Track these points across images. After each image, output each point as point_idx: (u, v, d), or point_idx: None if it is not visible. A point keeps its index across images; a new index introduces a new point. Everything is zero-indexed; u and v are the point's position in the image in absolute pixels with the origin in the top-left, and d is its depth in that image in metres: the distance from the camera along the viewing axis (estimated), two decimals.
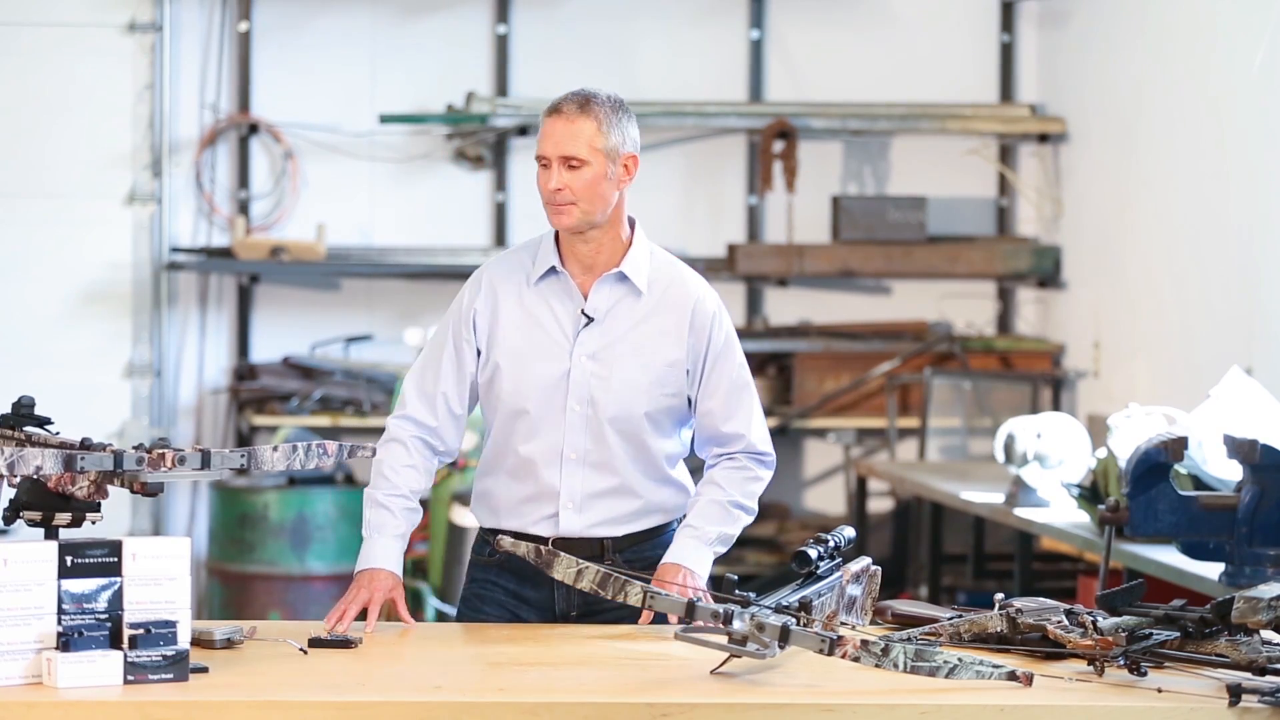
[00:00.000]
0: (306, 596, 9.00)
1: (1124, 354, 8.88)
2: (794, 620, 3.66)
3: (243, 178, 9.73)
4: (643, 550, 4.40)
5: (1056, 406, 9.33)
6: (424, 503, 4.73)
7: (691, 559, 4.29)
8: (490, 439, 4.45)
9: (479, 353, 4.39)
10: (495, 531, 4.39)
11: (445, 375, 4.40)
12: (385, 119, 9.55)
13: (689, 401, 4.40)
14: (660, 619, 4.22)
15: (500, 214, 9.78)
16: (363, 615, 4.23)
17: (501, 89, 9.72)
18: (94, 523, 3.82)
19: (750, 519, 4.42)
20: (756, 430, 4.43)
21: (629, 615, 4.23)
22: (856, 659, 3.57)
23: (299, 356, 9.58)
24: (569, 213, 4.31)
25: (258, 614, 8.77)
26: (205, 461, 3.72)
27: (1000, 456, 7.23)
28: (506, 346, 4.36)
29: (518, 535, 4.32)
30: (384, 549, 4.38)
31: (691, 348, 4.37)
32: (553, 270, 4.39)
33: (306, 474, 8.92)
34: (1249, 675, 3.59)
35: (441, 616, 8.48)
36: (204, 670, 3.65)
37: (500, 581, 4.42)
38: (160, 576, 3.62)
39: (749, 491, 4.40)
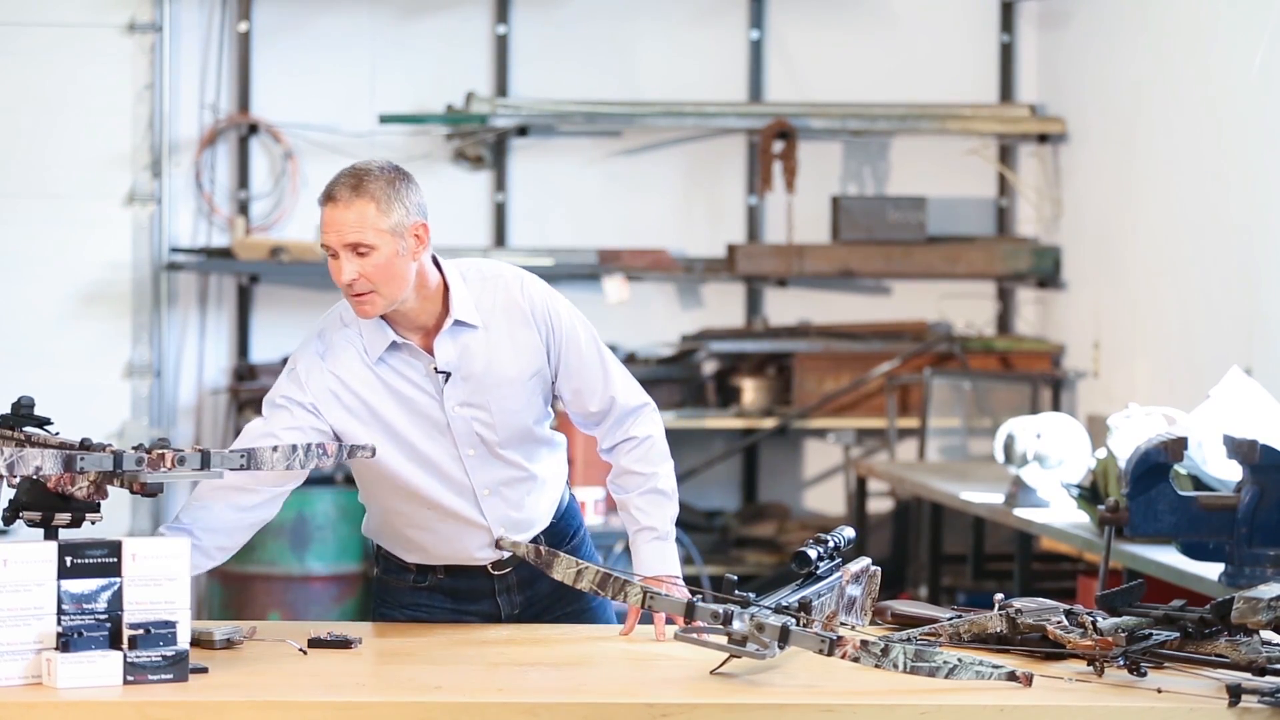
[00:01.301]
0: (306, 597, 9.00)
1: (1124, 354, 8.88)
2: (794, 620, 3.66)
3: (242, 178, 9.73)
4: (562, 532, 4.45)
5: (1056, 407, 9.33)
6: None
7: (668, 564, 4.34)
8: (389, 509, 4.38)
9: (337, 439, 4.24)
10: (428, 567, 4.40)
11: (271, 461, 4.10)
12: (385, 119, 9.55)
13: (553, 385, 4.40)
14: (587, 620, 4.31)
15: (500, 214, 9.78)
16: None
17: (501, 89, 9.73)
18: (94, 523, 3.82)
19: (673, 466, 4.42)
20: (623, 391, 4.39)
21: (574, 620, 4.35)
22: (856, 659, 3.57)
23: None
24: (372, 302, 4.14)
25: (258, 614, 8.77)
26: (205, 462, 3.72)
27: (1000, 457, 7.23)
28: (381, 426, 4.25)
29: (455, 568, 4.37)
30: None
31: (545, 341, 4.33)
32: (393, 344, 4.26)
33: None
34: (1249, 675, 3.59)
35: None
36: (204, 670, 3.65)
37: (435, 604, 4.42)
38: (160, 577, 3.62)
39: (661, 455, 4.40)
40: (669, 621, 4.07)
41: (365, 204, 4.12)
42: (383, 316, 4.23)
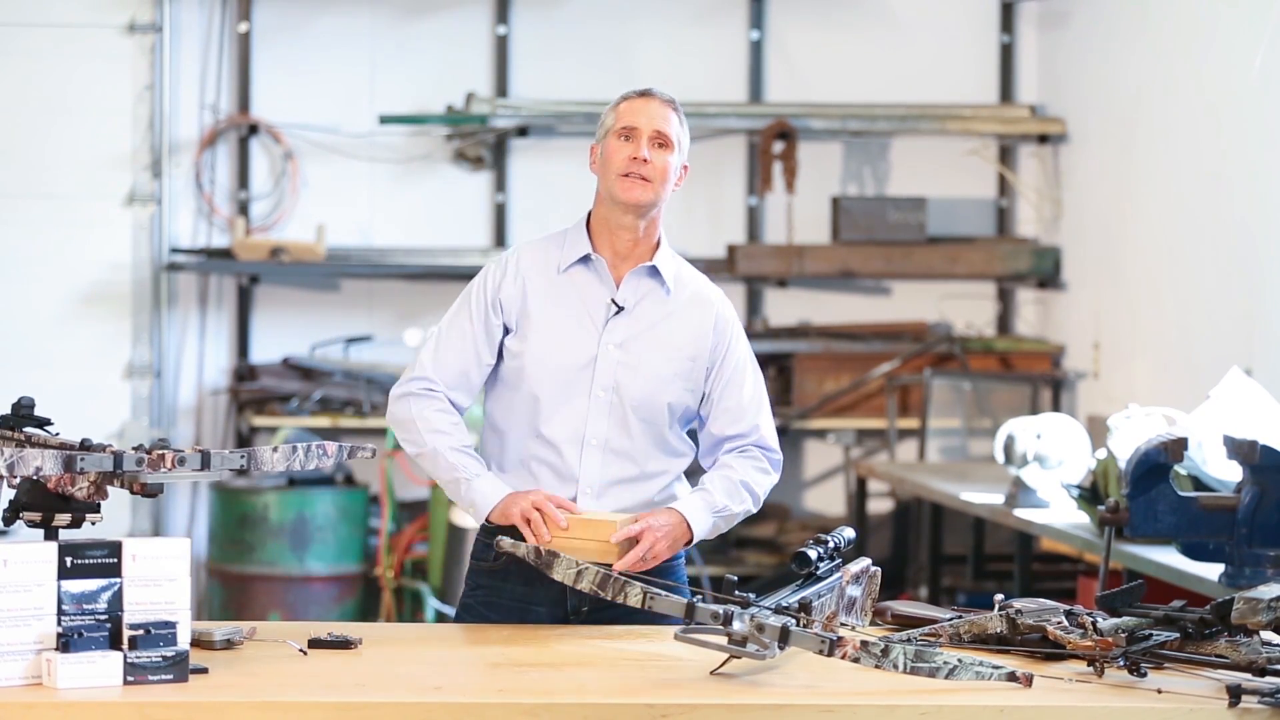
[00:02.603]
0: (306, 597, 9.00)
1: (1124, 354, 8.88)
2: (794, 621, 3.66)
3: (242, 178, 9.73)
4: None
5: (1056, 407, 9.33)
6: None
7: (692, 513, 4.34)
8: (498, 428, 4.46)
9: (505, 333, 4.43)
10: (500, 529, 4.39)
11: (465, 353, 4.43)
12: (385, 119, 9.55)
13: (701, 400, 4.47)
14: (649, 618, 4.25)
15: (500, 215, 9.78)
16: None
17: (501, 89, 9.72)
18: (94, 523, 3.82)
19: (754, 509, 4.47)
20: (767, 430, 4.51)
21: (638, 612, 4.23)
22: (856, 660, 3.57)
23: (299, 357, 9.58)
24: (645, 189, 4.40)
25: (258, 615, 8.77)
26: (205, 462, 3.72)
27: (1000, 457, 7.24)
28: (535, 332, 4.41)
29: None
30: (495, 481, 4.38)
31: (713, 348, 4.46)
32: (585, 258, 4.44)
33: (306, 475, 8.93)
34: (1249, 676, 3.59)
35: (441, 617, 8.48)
36: (204, 671, 3.65)
37: (508, 586, 4.41)
38: (160, 577, 3.62)
39: (758, 480, 4.46)
40: (669, 622, 4.06)
41: (673, 112, 4.46)
42: (590, 238, 4.44)
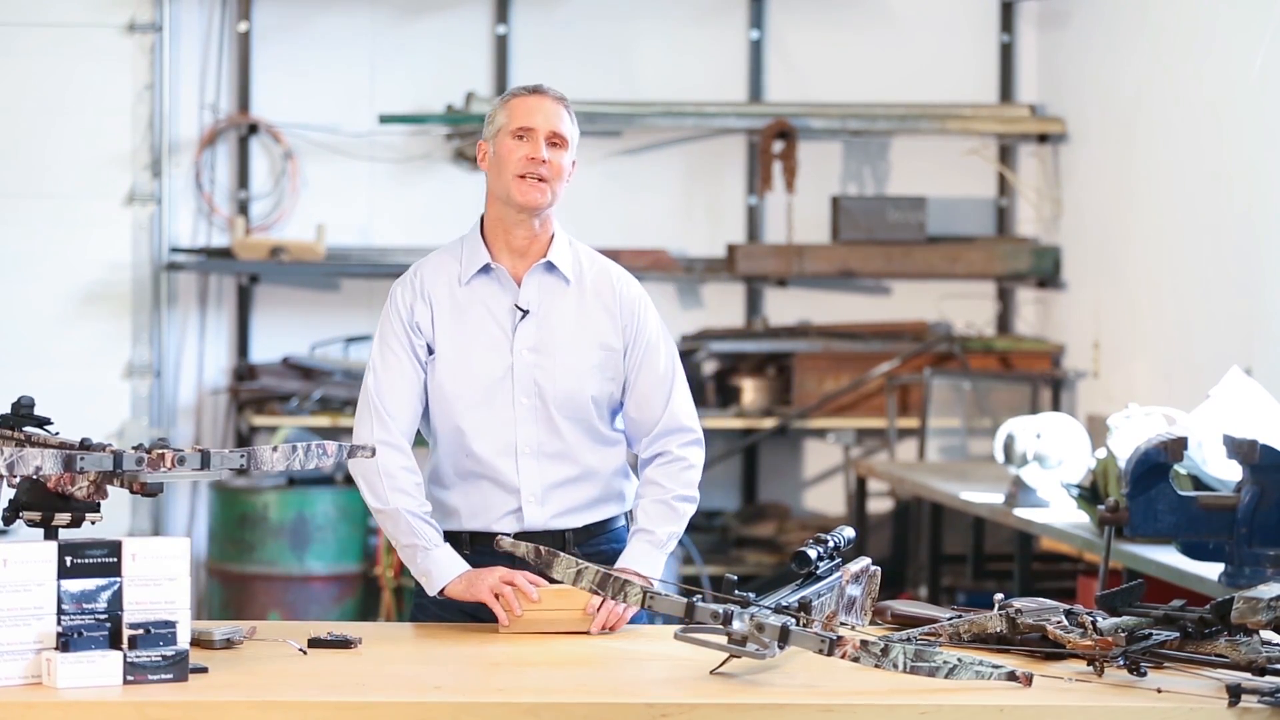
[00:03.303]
0: (306, 597, 9.00)
1: (1124, 354, 8.88)
2: (793, 620, 3.66)
3: (242, 178, 9.73)
4: (598, 544, 4.47)
5: (1056, 407, 9.33)
6: None
7: (645, 564, 4.36)
8: (436, 447, 4.47)
9: (429, 353, 4.42)
10: (456, 533, 4.41)
11: (408, 385, 4.41)
12: (385, 119, 9.55)
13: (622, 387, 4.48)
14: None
15: None
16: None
17: (501, 89, 9.72)
18: (93, 523, 3.82)
19: (694, 506, 4.50)
20: (682, 411, 4.50)
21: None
22: (856, 659, 3.57)
23: (299, 357, 9.58)
24: (543, 191, 4.38)
25: (257, 614, 8.77)
26: (205, 462, 3.72)
27: (1000, 457, 7.24)
28: (446, 349, 4.40)
29: (481, 549, 4.36)
30: (452, 555, 4.37)
31: (624, 331, 4.45)
32: (486, 268, 4.43)
33: (306, 474, 8.93)
34: (1248, 675, 3.59)
35: None
36: (203, 670, 3.65)
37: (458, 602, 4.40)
38: (160, 577, 3.62)
39: (687, 481, 4.48)
40: (670, 621, 4.07)
41: (564, 110, 4.42)
42: (486, 245, 4.42)
